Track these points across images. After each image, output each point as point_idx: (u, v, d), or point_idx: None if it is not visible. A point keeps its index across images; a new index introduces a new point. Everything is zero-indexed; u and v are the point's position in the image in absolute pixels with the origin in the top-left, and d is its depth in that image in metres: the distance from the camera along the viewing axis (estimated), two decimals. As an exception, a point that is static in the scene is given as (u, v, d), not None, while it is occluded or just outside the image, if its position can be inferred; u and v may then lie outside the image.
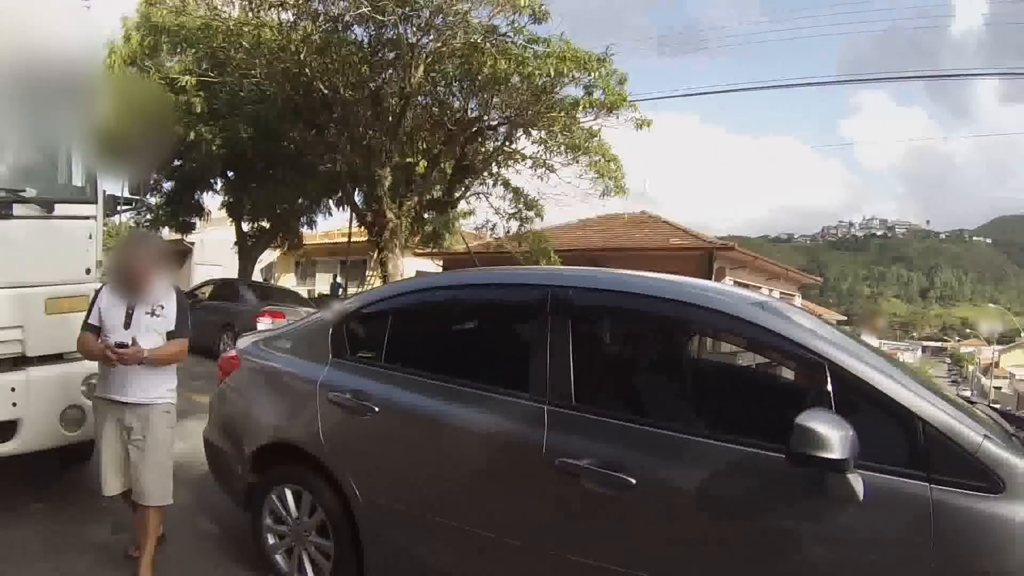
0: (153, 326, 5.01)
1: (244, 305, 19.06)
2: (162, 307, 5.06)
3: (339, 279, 34.39)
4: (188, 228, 28.84)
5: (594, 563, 3.61)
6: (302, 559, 4.86)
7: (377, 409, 4.44)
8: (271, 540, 5.06)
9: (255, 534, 5.17)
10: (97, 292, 5.10)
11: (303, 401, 4.85)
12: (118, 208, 6.39)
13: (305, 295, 34.15)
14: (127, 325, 4.95)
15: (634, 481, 3.49)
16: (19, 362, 5.81)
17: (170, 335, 5.08)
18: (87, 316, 5.05)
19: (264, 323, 16.01)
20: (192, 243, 38.48)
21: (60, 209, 5.82)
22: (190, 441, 8.35)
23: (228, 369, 5.63)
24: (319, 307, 20.96)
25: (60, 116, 6.34)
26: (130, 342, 4.83)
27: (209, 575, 5.29)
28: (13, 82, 6.11)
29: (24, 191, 5.73)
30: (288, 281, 39.40)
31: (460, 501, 4.14)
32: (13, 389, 5.66)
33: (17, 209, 5.58)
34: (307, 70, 19.51)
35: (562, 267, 4.56)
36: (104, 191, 6.30)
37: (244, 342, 5.74)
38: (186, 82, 20.64)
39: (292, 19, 19.43)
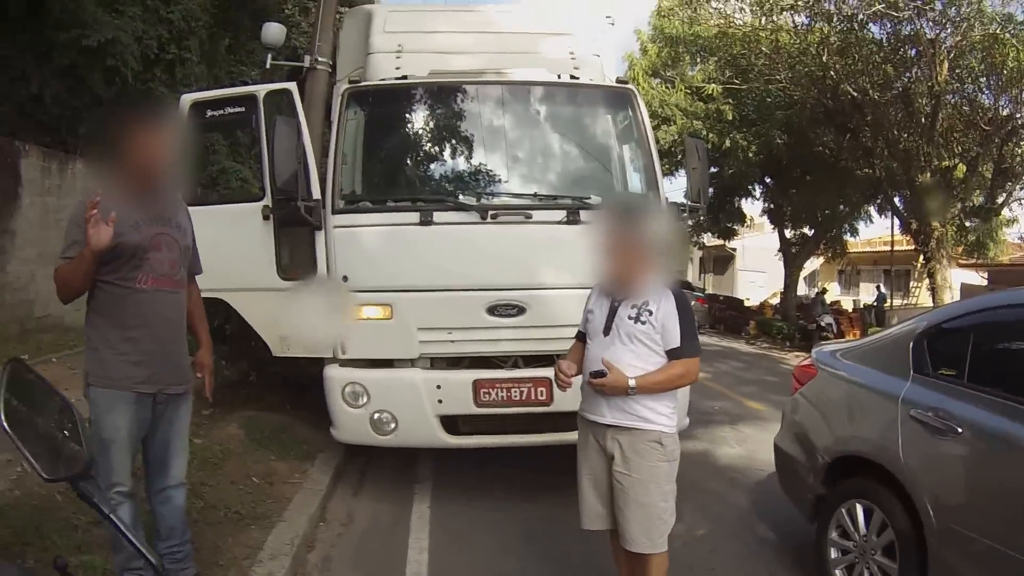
0: (637, 334, 3.84)
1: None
2: (650, 311, 3.82)
3: (883, 289, 32.89)
4: (729, 234, 29.58)
5: None
6: (862, 577, 4.56)
7: (960, 430, 4.02)
8: (833, 554, 4.79)
9: (817, 546, 4.95)
10: (592, 289, 4.21)
11: (883, 416, 4.52)
12: (681, 214, 6.56)
13: (850, 305, 33.27)
14: (607, 330, 3.92)
15: None
16: None
17: (672, 353, 3.86)
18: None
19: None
20: (734, 249, 39.39)
21: None
22: (746, 446, 8.51)
23: (803, 378, 5.50)
24: (863, 317, 20.65)
25: (613, 130, 6.75)
26: (601, 365, 3.80)
27: (762, 581, 5.16)
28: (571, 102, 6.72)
29: (589, 198, 6.12)
30: (832, 290, 38.69)
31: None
32: None
33: (584, 215, 5.85)
34: (831, 73, 18.98)
35: None
36: (667, 197, 6.47)
37: (821, 351, 5.57)
38: (712, 90, 21.25)
39: (807, 21, 19.26)
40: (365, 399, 5.94)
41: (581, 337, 4.18)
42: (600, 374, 3.79)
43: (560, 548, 5.40)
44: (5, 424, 1.91)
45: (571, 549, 5.36)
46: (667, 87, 23.47)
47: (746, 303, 35.05)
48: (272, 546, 4.93)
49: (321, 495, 6.04)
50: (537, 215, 5.94)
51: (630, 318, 3.86)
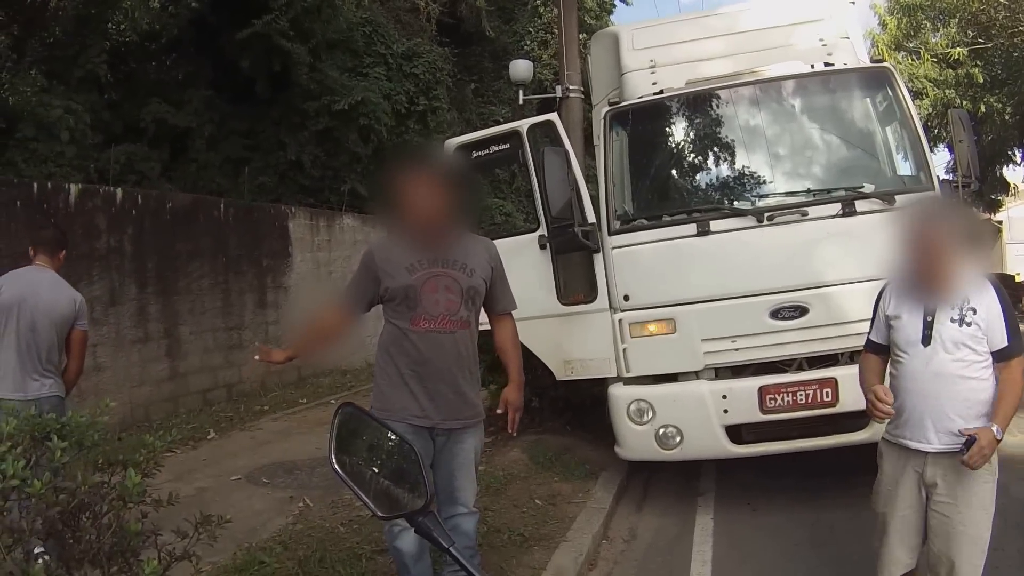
0: (964, 339, 3.39)
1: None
2: (973, 310, 3.38)
3: None
4: (995, 206, 27.78)
5: None
6: None
7: None
8: None
9: None
10: (881, 292, 3.77)
11: None
12: (961, 190, 6.16)
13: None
14: (926, 339, 3.44)
15: None
16: None
17: (1001, 353, 3.41)
18: (870, 328, 3.81)
19: None
20: (1000, 221, 36.87)
21: (901, 200, 5.65)
22: None
23: None
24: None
25: (873, 112, 6.44)
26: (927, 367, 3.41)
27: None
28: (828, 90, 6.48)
29: (862, 187, 5.88)
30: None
31: None
32: None
33: (860, 205, 5.68)
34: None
35: None
36: (939, 176, 6.11)
37: None
38: (958, 54, 20.31)
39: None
40: (650, 415, 5.94)
41: (875, 348, 3.75)
42: (970, 443, 3.28)
43: (846, 553, 5.17)
44: (336, 466, 1.96)
45: (857, 553, 5.07)
46: (913, 59, 22.42)
47: (1017, 279, 32.48)
48: (556, 565, 4.99)
49: (604, 513, 6.07)
50: (812, 211, 5.76)
51: (953, 321, 3.40)
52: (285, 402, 10.92)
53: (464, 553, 3.93)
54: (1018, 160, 26.12)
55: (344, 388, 11.54)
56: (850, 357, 5.84)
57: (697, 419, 5.85)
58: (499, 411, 4.20)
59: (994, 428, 3.30)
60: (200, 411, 10.39)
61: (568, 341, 6.23)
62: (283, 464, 7.57)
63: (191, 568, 2.97)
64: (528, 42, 21.22)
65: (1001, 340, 3.38)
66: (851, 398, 5.58)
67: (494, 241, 5.92)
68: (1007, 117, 21.02)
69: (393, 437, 2.02)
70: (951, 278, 3.42)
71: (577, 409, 7.96)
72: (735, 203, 6.08)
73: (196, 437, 8.85)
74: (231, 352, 11.23)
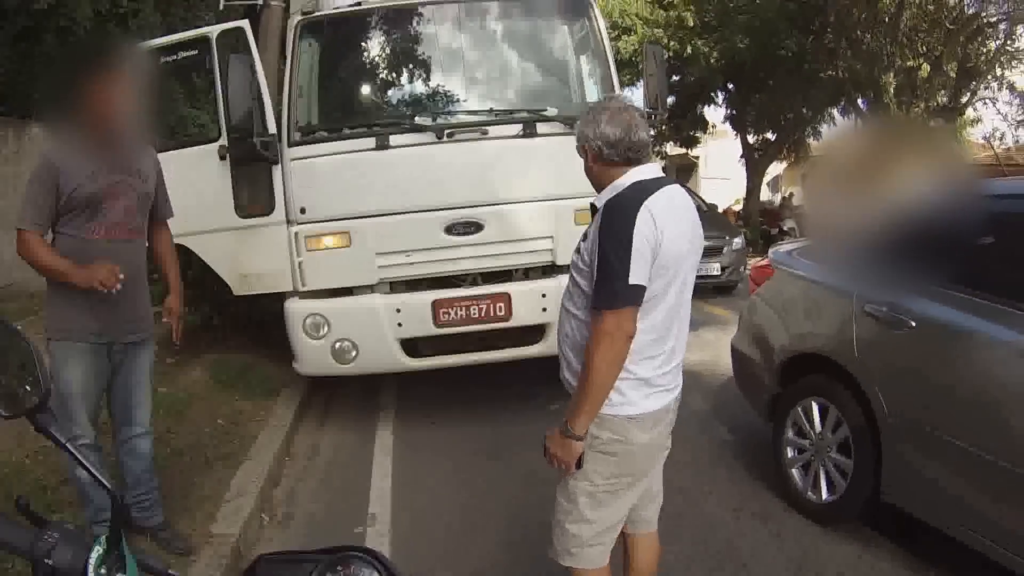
0: (573, 270, 2.74)
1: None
2: (586, 235, 2.69)
3: (848, 192, 32.76)
4: (692, 142, 29.43)
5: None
6: (818, 475, 4.59)
7: (914, 324, 4.02)
8: (790, 453, 4.82)
9: (775, 446, 4.96)
10: None
11: (837, 312, 4.53)
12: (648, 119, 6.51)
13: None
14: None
15: None
16: (550, 271, 6.12)
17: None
18: None
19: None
20: (696, 157, 39.22)
21: None
22: (707, 351, 8.47)
23: (760, 279, 5.53)
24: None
25: (570, 42, 6.67)
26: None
27: (722, 482, 5.23)
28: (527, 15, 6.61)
29: (545, 110, 6.11)
30: (796, 195, 38.78)
31: (985, 425, 3.60)
32: (544, 295, 5.94)
33: (541, 127, 5.87)
34: (795, -28, 18.73)
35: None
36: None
37: (778, 252, 5.57)
38: None
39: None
40: (326, 329, 5.93)
41: None
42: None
43: (522, 461, 5.40)
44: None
45: (533, 463, 5.40)
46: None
47: (718, 210, 34.86)
48: (238, 484, 4.97)
49: (285, 431, 6.07)
50: (493, 131, 5.89)
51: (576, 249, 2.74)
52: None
53: (143, 476, 3.87)
54: (719, 102, 27.99)
55: (32, 312, 10.69)
56: (524, 273, 6.12)
57: (372, 333, 5.91)
58: (164, 319, 4.06)
59: (557, 431, 2.65)
60: None
61: (246, 255, 6.06)
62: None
63: None
64: (236, -55, 20.18)
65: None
66: (524, 312, 5.94)
67: (174, 152, 5.65)
68: (712, 61, 22.25)
69: (10, 331, 1.87)
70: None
71: (259, 325, 7.84)
72: (417, 119, 6.10)
73: None
74: None
